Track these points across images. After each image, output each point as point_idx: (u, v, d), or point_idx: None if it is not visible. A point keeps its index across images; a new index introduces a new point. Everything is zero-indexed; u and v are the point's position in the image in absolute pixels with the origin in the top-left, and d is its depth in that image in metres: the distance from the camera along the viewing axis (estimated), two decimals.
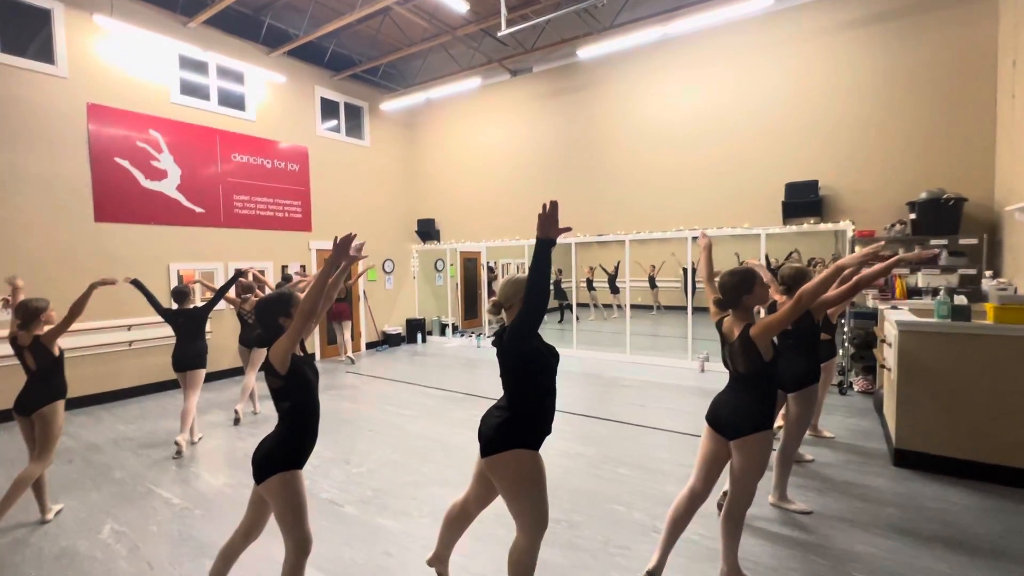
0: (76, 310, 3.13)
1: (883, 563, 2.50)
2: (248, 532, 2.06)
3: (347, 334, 8.12)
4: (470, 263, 11.58)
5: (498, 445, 1.93)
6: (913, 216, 5.19)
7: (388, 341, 9.42)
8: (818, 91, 6.08)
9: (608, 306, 12.84)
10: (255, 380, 5.22)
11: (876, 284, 5.57)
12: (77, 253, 5.71)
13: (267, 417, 5.15)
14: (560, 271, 12.34)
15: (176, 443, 4.10)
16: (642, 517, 2.98)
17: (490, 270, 11.24)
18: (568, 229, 1.84)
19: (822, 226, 5.99)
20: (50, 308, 3.10)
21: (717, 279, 2.37)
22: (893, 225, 5.39)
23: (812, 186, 5.87)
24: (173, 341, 4.34)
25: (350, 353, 8.12)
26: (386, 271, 9.65)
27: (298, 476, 1.94)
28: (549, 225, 1.78)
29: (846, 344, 5.63)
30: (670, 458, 3.85)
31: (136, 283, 4.33)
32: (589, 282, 11.77)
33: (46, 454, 2.99)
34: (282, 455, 1.92)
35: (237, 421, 4.93)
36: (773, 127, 6.35)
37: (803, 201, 5.91)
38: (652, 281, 12.44)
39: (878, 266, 2.95)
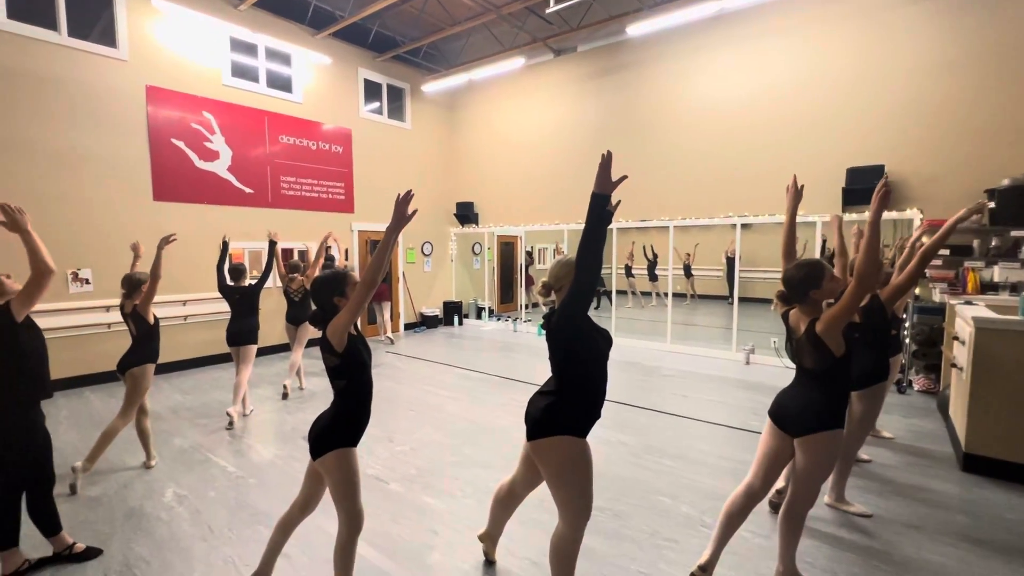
0: (156, 274, 3.36)
1: (953, 573, 2.35)
2: (305, 505, 2.11)
3: (387, 314, 8.26)
4: (507, 247, 11.54)
5: (544, 429, 1.90)
6: (992, 204, 4.79)
7: (426, 323, 9.54)
8: (887, 68, 5.64)
9: (647, 294, 12.60)
10: (302, 357, 5.38)
11: (945, 276, 5.22)
12: (137, 230, 5.96)
13: (313, 393, 5.32)
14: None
15: (228, 414, 4.28)
16: (689, 511, 2.91)
17: (528, 255, 11.19)
18: (624, 178, 1.71)
19: (885, 214, 5.60)
20: (148, 282, 3.38)
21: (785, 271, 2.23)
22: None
23: (877, 171, 5.49)
24: (223, 317, 4.51)
25: (389, 333, 8.27)
26: (425, 253, 9.73)
27: (352, 453, 1.97)
28: (605, 178, 1.66)
29: (907, 340, 5.31)
30: (714, 451, 3.74)
31: (224, 244, 4.67)
32: (627, 268, 11.54)
33: (128, 410, 3.30)
34: (337, 432, 1.94)
35: (285, 396, 5.10)
36: (835, 108, 5.96)
37: (866, 187, 5.54)
38: (687, 269, 12.09)
39: (938, 234, 2.76)
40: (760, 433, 4.02)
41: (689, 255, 12.06)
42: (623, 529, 2.72)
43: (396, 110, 9.18)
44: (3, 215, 2.20)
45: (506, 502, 2.33)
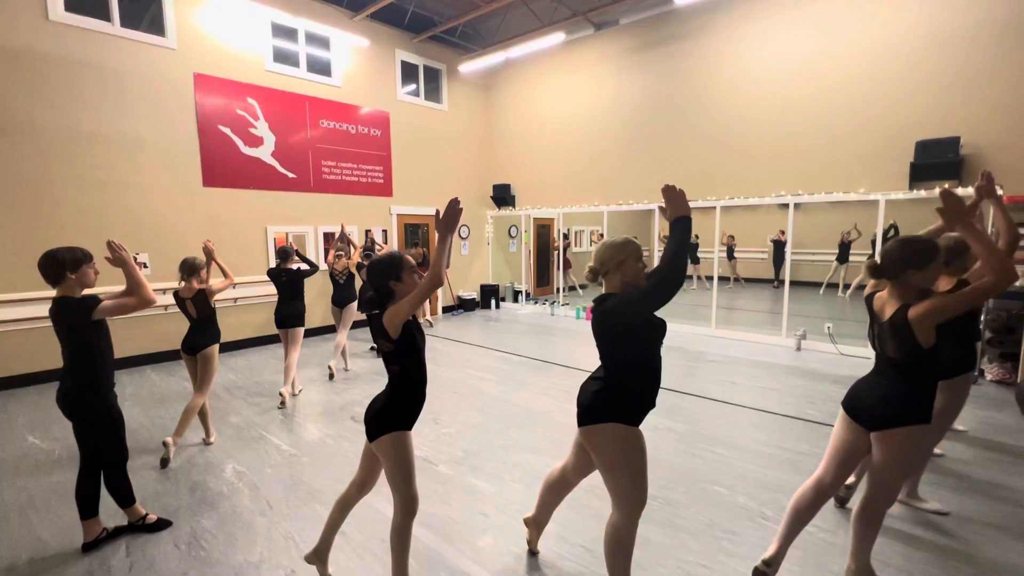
0: (228, 275, 3.73)
1: None
2: (362, 485, 2.13)
3: None
4: (543, 229, 11.41)
5: (595, 415, 1.86)
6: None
7: (463, 306, 9.58)
8: (965, 30, 5.15)
9: (687, 277, 12.22)
10: (346, 338, 5.48)
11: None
12: (189, 215, 6.19)
13: (358, 375, 5.42)
14: (636, 238, 11.86)
15: (280, 394, 4.41)
16: (747, 502, 2.81)
17: (564, 237, 11.03)
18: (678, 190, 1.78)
19: (959, 190, 5.19)
20: (205, 269, 3.64)
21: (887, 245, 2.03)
22: None
23: (952, 144, 5.06)
24: (270, 300, 4.62)
25: (428, 316, 8.35)
26: (462, 236, 9.73)
27: (407, 436, 1.96)
28: (682, 202, 1.75)
29: (981, 327, 4.94)
30: (769, 440, 3.60)
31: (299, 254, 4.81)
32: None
33: (206, 387, 3.53)
34: (392, 415, 1.94)
35: (331, 376, 5.22)
36: (904, 75, 5.50)
37: (938, 162, 5.13)
38: (730, 252, 11.65)
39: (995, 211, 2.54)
40: (820, 424, 3.88)
41: (732, 237, 11.62)
42: (677, 519, 2.65)
43: (432, 91, 9.11)
44: (108, 251, 2.39)
45: (557, 488, 2.29)
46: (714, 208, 7.03)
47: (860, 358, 5.76)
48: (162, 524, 2.60)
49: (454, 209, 1.91)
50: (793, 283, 6.56)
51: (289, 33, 7.10)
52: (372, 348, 6.47)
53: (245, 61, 6.59)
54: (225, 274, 3.73)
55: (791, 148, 6.37)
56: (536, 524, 2.37)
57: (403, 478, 1.94)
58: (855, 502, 2.13)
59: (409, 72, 8.69)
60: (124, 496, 2.53)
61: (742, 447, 3.49)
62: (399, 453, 1.92)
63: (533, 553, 2.38)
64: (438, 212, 1.95)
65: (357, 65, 7.87)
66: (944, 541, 2.45)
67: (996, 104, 5.04)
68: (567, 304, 9.41)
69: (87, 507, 2.43)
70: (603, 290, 1.93)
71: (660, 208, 1.87)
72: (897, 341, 1.93)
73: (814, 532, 2.51)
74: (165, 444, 3.35)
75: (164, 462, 3.30)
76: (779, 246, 11.77)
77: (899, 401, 1.96)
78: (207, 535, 2.55)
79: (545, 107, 9.08)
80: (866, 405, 2.05)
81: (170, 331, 5.95)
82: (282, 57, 7.01)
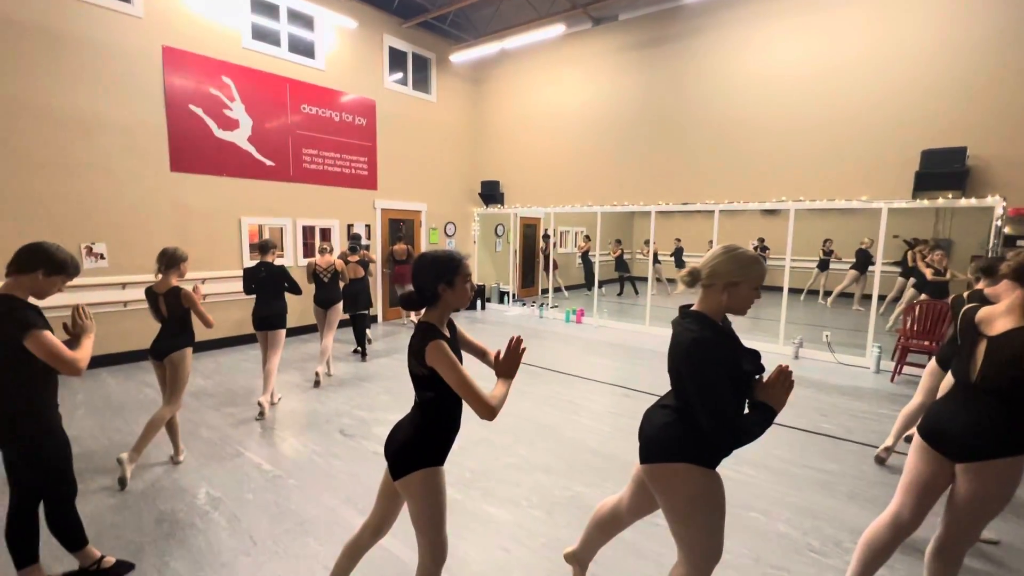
0: (209, 324, 3.18)
1: None
2: (378, 528, 1.78)
3: None
4: (529, 229, 11.12)
5: (664, 453, 1.57)
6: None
7: None
8: (972, 40, 5.12)
9: (672, 280, 12.19)
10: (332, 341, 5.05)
11: None
12: (154, 202, 5.61)
13: (342, 380, 5.00)
14: (619, 241, 11.74)
15: (259, 404, 3.97)
16: (788, 530, 2.58)
17: (545, 237, 10.78)
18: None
19: (963, 201, 5.17)
20: (186, 263, 3.17)
21: (1016, 258, 1.78)
22: None
23: (959, 154, 5.03)
24: (243, 297, 4.17)
25: (412, 317, 7.93)
26: (448, 234, 9.34)
27: (440, 474, 1.62)
28: (783, 394, 1.50)
29: None
30: (793, 459, 3.40)
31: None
32: (654, 255, 11.11)
33: (176, 398, 3.09)
34: (422, 450, 1.60)
35: (318, 383, 4.79)
36: (911, 83, 5.45)
37: (944, 172, 5.09)
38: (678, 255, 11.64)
39: None
40: (839, 439, 3.72)
41: (711, 242, 11.62)
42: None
43: (421, 81, 8.68)
44: (75, 316, 2.02)
45: (607, 527, 2.00)
46: (712, 211, 6.89)
47: (857, 367, 5.70)
48: (122, 568, 2.17)
49: (517, 352, 1.67)
50: (775, 289, 6.46)
51: (270, 9, 6.58)
52: (355, 351, 6.03)
53: (220, 36, 6.04)
54: (206, 323, 3.14)
55: (792, 153, 6.28)
56: (579, 561, 2.10)
57: (433, 522, 1.61)
58: (928, 544, 1.91)
59: (397, 59, 8.25)
60: (73, 538, 2.08)
61: (768, 466, 3.27)
62: (431, 494, 1.58)
63: None
64: (499, 353, 1.69)
65: (342, 48, 7.39)
66: (999, 573, 2.27)
67: (1001, 115, 5.03)
68: (556, 307, 9.15)
69: (23, 553, 1.97)
70: (695, 300, 1.63)
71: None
72: (1009, 365, 1.70)
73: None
74: (120, 461, 2.88)
75: (122, 483, 2.84)
76: (762, 251, 11.88)
77: (994, 430, 1.74)
78: None
79: (538, 103, 8.79)
80: (953, 433, 1.83)
81: (130, 330, 5.36)
82: (261, 35, 6.48)
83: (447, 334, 1.63)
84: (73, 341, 1.97)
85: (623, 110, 7.75)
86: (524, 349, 1.69)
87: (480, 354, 1.83)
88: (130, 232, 5.42)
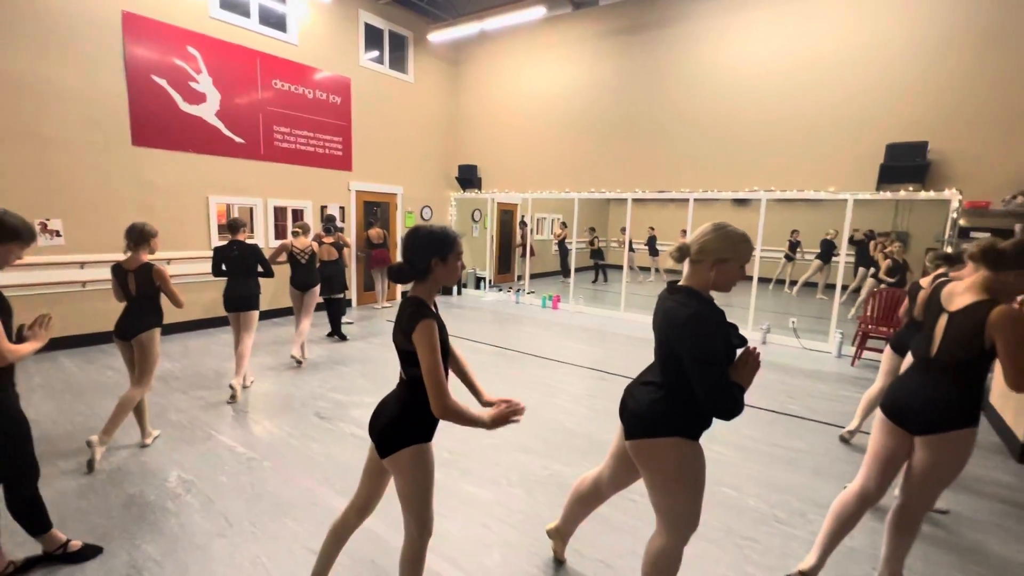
0: (179, 304, 3.12)
1: None
2: (364, 508, 1.77)
3: (385, 282, 7.81)
4: (506, 215, 11.09)
5: (650, 428, 1.61)
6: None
7: None
8: (939, 38, 5.31)
9: (645, 269, 12.38)
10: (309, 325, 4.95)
11: None
12: (114, 177, 5.33)
13: (316, 364, 4.91)
14: (593, 230, 11.83)
15: (231, 387, 3.86)
16: (758, 504, 2.69)
17: (523, 224, 10.76)
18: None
19: (922, 194, 5.40)
20: (157, 238, 3.05)
21: (986, 243, 1.86)
22: (1014, 197, 4.80)
23: (920, 148, 5.24)
24: (211, 279, 4.06)
25: (387, 303, 7.84)
26: (424, 219, 9.22)
27: (429, 450, 1.62)
28: (750, 374, 1.54)
29: None
30: (764, 438, 3.53)
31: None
32: (629, 243, 11.25)
33: (146, 378, 3.01)
34: (411, 426, 1.59)
35: (300, 363, 4.79)
36: (879, 78, 5.62)
37: (906, 165, 5.30)
38: (652, 244, 11.85)
39: None
40: (804, 419, 3.88)
41: (684, 232, 11.84)
42: None
43: (398, 60, 8.47)
44: (37, 324, 1.91)
45: (588, 500, 2.04)
46: (687, 200, 7.01)
47: (821, 352, 5.94)
48: (89, 552, 2.10)
49: (509, 420, 1.61)
50: (745, 277, 6.66)
51: None
52: (329, 334, 5.93)
53: (186, 3, 5.73)
54: (177, 303, 3.08)
55: (765, 144, 6.42)
56: (561, 535, 2.15)
57: (422, 499, 1.61)
58: (891, 509, 2.03)
59: (373, 36, 8.01)
60: (36, 522, 1.99)
61: (739, 445, 3.40)
62: (420, 470, 1.58)
63: (560, 562, 2.17)
64: (495, 420, 1.60)
65: (316, 23, 7.12)
66: (954, 540, 2.43)
67: (959, 111, 5.25)
68: (532, 292, 9.19)
69: None
70: (681, 277, 1.66)
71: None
72: (964, 339, 1.79)
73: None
74: (90, 444, 2.79)
75: (90, 465, 2.75)
76: None
77: (948, 404, 1.85)
78: (150, 564, 2.08)
79: (517, 87, 8.71)
80: (913, 408, 1.94)
81: (90, 311, 5.12)
82: (230, 5, 6.18)
83: (435, 311, 1.62)
84: (21, 339, 1.87)
85: (601, 97, 7.76)
86: (519, 421, 1.64)
87: (468, 382, 1.89)
88: (89, 209, 5.15)
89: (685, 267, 1.64)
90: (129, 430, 3.22)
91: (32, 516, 1.98)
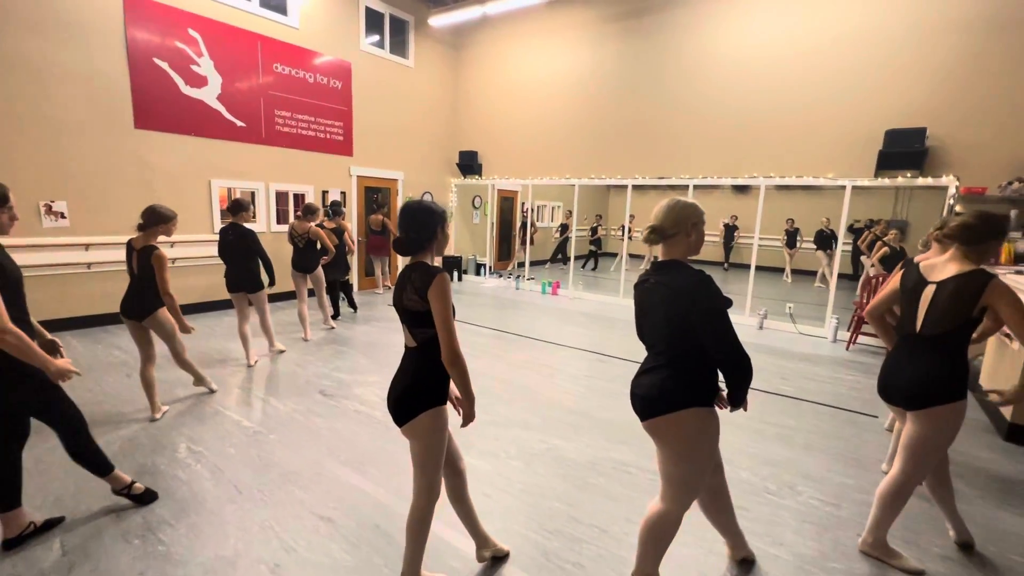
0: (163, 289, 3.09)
1: None
2: (451, 466, 1.89)
3: (385, 267, 7.88)
4: (506, 202, 11.11)
5: (671, 403, 1.62)
6: None
7: None
8: (939, 24, 5.31)
9: (641, 256, 12.43)
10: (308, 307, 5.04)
11: None
12: (116, 159, 5.37)
13: (319, 345, 4.99)
14: (600, 217, 11.87)
15: (276, 349, 4.52)
16: (748, 476, 2.78)
17: (523, 212, 10.79)
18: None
19: (920, 180, 5.44)
20: (175, 222, 3.12)
21: (956, 222, 1.94)
22: (1010, 183, 4.84)
23: (919, 134, 5.27)
24: (213, 263, 4.17)
25: (389, 283, 7.93)
26: None
27: (445, 412, 1.70)
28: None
29: None
30: (754, 415, 3.61)
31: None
32: (628, 231, 11.29)
33: (175, 346, 3.29)
34: (428, 390, 1.65)
35: (306, 340, 5.08)
36: (878, 64, 5.62)
37: (905, 151, 5.33)
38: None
39: None
40: (796, 399, 3.97)
41: (632, 217, 11.85)
42: None
43: (399, 45, 8.44)
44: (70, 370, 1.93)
45: (713, 507, 2.04)
46: (687, 186, 7.04)
47: (816, 337, 6.02)
48: (148, 497, 2.32)
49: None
50: (740, 266, 6.74)
51: None
52: (333, 316, 6.01)
53: None
54: (163, 291, 3.06)
55: (765, 130, 6.44)
56: (733, 548, 2.13)
57: (435, 461, 1.69)
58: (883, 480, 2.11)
59: (374, 20, 7.98)
60: (102, 464, 2.18)
61: (733, 422, 3.48)
62: (437, 432, 1.67)
63: (750, 561, 2.15)
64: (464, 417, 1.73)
65: (317, 6, 7.09)
66: (935, 511, 2.52)
67: (958, 98, 5.27)
68: (532, 279, 9.25)
69: (3, 496, 1.97)
70: (659, 256, 1.71)
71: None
72: (952, 309, 1.85)
73: (819, 505, 2.52)
74: (153, 420, 3.14)
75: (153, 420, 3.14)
76: (730, 230, 12.21)
77: (934, 379, 1.92)
78: (164, 527, 2.17)
79: (518, 72, 8.68)
80: (900, 386, 2.01)
81: (97, 292, 5.19)
82: None
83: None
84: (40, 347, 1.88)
85: (603, 82, 7.75)
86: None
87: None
88: (93, 191, 5.19)
89: (659, 249, 1.69)
90: (138, 405, 3.31)
91: (96, 458, 2.16)
